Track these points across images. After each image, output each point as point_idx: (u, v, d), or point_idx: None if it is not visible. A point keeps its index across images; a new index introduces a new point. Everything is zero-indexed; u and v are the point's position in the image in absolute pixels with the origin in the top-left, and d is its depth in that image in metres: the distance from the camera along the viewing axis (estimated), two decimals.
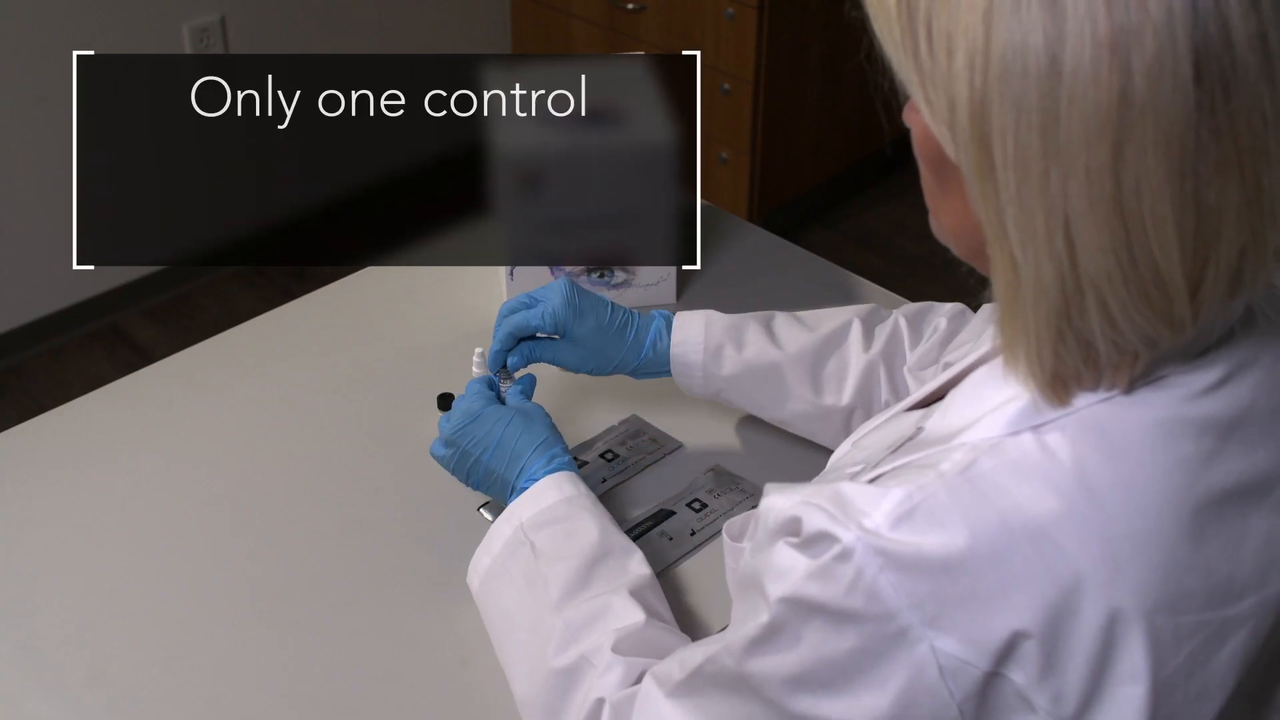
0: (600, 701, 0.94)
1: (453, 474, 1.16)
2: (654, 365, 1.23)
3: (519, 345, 1.22)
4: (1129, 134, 0.64)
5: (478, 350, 1.27)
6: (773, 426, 1.30)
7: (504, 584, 1.06)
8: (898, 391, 1.19)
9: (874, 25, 0.72)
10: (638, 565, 1.06)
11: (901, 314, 1.23)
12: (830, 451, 1.03)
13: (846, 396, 1.20)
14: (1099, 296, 0.67)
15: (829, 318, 1.24)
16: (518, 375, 1.22)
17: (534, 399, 1.20)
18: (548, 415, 1.15)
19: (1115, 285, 0.67)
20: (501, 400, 1.18)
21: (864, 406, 1.20)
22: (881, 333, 1.22)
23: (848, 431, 1.14)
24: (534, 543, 1.06)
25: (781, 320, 1.24)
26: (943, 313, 1.21)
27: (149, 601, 1.15)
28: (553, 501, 1.08)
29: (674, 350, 1.22)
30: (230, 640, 1.11)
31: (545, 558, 1.05)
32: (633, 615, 0.99)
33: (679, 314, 1.24)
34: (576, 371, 1.24)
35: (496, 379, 1.21)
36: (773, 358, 1.21)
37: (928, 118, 0.70)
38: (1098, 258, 0.66)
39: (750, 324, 1.23)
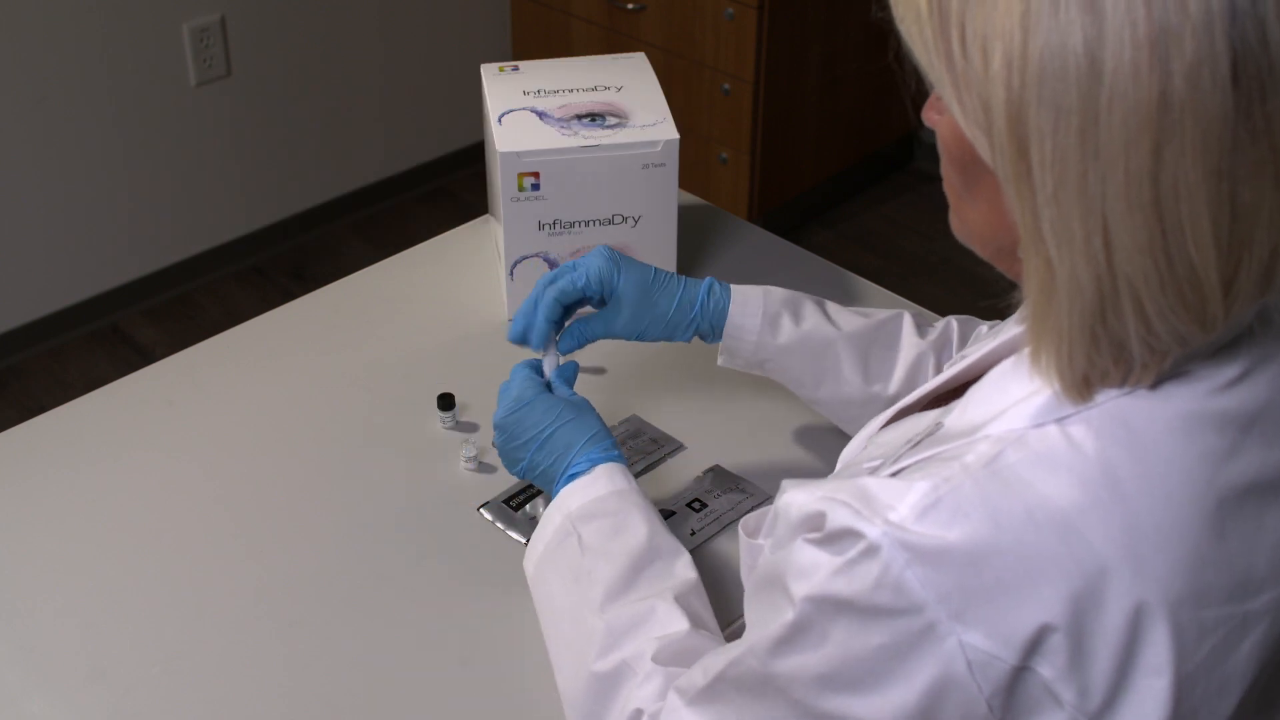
0: (639, 712, 0.94)
1: (500, 455, 1.14)
2: (703, 325, 1.20)
3: (569, 326, 1.19)
4: (1168, 135, 0.64)
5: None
6: (773, 427, 1.30)
7: (552, 574, 1.05)
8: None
9: (902, 27, 0.72)
10: (684, 569, 1.04)
11: (954, 318, 1.22)
12: (840, 444, 1.02)
13: (894, 385, 1.19)
14: (1135, 297, 0.68)
15: (880, 311, 1.23)
16: (563, 360, 1.18)
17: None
18: (594, 409, 1.13)
19: (1151, 286, 0.67)
20: (546, 384, 1.15)
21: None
22: (933, 330, 1.21)
23: None
24: (581, 535, 1.04)
25: (833, 304, 1.23)
26: (985, 324, 1.21)
27: (149, 601, 1.15)
28: (603, 494, 1.06)
29: (732, 311, 1.19)
30: (230, 640, 1.11)
31: (591, 553, 1.03)
32: (676, 623, 0.98)
33: (736, 285, 1.21)
34: (628, 338, 1.19)
35: (542, 363, 1.18)
36: (828, 334, 1.19)
37: (960, 120, 0.70)
38: (1135, 258, 0.66)
39: (807, 300, 1.22)
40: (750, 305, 1.20)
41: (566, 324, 1.20)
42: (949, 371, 0.89)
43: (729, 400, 1.35)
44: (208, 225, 2.99)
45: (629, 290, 1.18)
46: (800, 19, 2.86)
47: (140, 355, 2.78)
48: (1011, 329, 0.83)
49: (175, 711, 1.06)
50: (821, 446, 1.29)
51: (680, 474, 1.27)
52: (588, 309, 1.21)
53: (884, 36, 0.75)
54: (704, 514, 1.22)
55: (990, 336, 0.88)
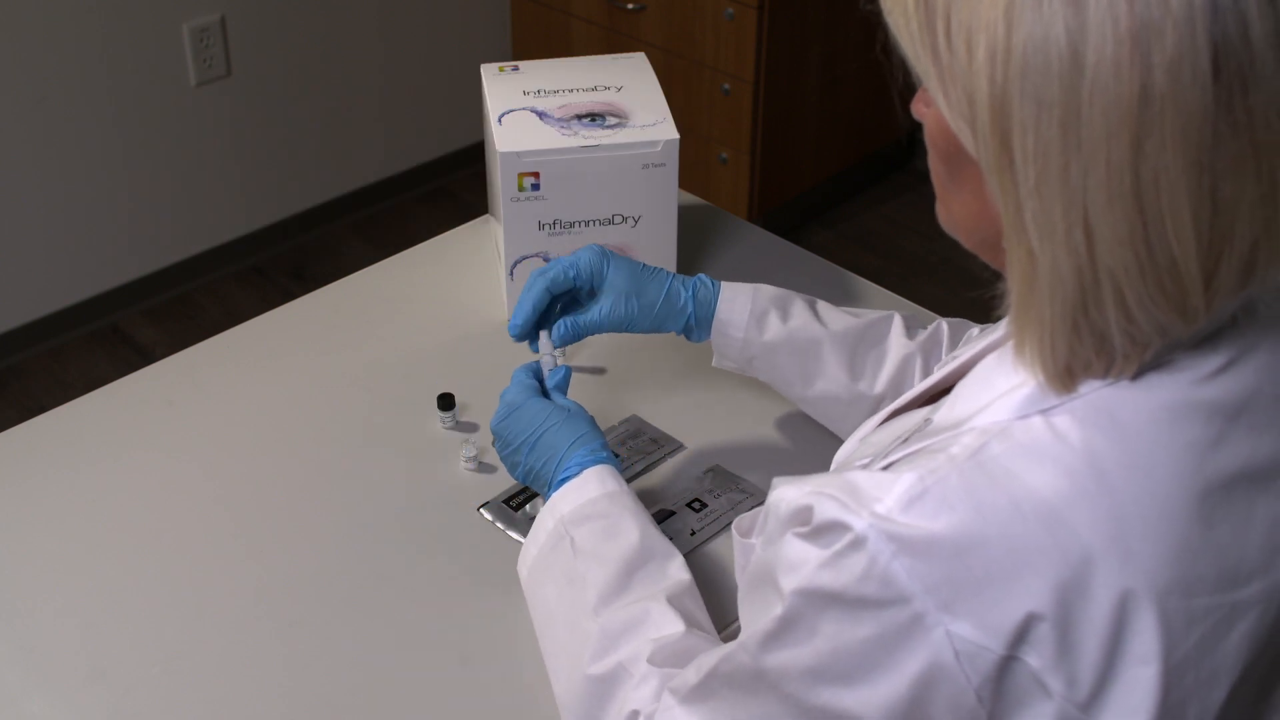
0: (635, 714, 0.94)
1: (501, 461, 1.16)
2: (692, 317, 1.21)
3: (560, 319, 1.19)
4: (1149, 128, 0.65)
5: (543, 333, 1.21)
6: (773, 427, 1.30)
7: (546, 579, 1.05)
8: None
9: (889, 19, 0.73)
10: (677, 570, 1.04)
11: (944, 320, 1.23)
12: (838, 444, 1.02)
13: (880, 384, 1.19)
14: (1116, 288, 0.68)
15: (871, 312, 1.24)
16: (559, 363, 1.19)
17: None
18: (587, 412, 1.14)
19: (1132, 277, 0.68)
20: (543, 387, 1.16)
21: (893, 398, 1.18)
22: (923, 331, 1.22)
23: None
24: (574, 538, 1.04)
25: (824, 304, 1.24)
26: (977, 327, 1.21)
27: (149, 601, 1.15)
28: (593, 496, 1.06)
29: (720, 306, 1.20)
30: (230, 640, 1.11)
31: (584, 556, 1.03)
32: (671, 625, 0.98)
33: (727, 282, 1.22)
34: (618, 328, 1.20)
35: (539, 365, 1.18)
36: (815, 332, 1.20)
37: (945, 112, 0.71)
38: (1116, 250, 0.67)
39: (796, 299, 1.23)
40: (738, 301, 1.21)
41: (558, 317, 1.20)
42: (940, 372, 0.89)
43: (729, 400, 1.35)
44: (208, 225, 2.99)
45: (618, 279, 1.19)
46: (800, 19, 2.86)
47: (140, 355, 2.78)
48: (1002, 329, 0.83)
49: (175, 711, 1.06)
50: (821, 446, 1.29)
51: (680, 474, 1.27)
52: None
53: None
54: (704, 514, 1.22)
55: (981, 337, 0.89)
